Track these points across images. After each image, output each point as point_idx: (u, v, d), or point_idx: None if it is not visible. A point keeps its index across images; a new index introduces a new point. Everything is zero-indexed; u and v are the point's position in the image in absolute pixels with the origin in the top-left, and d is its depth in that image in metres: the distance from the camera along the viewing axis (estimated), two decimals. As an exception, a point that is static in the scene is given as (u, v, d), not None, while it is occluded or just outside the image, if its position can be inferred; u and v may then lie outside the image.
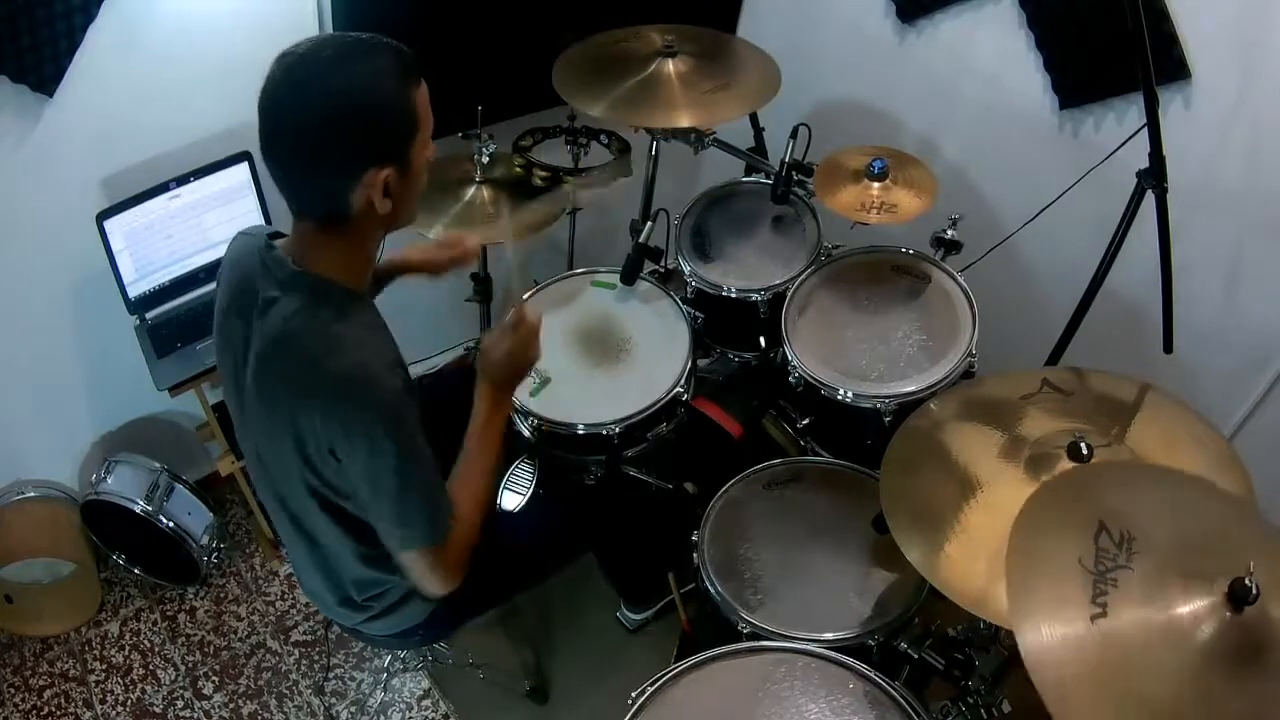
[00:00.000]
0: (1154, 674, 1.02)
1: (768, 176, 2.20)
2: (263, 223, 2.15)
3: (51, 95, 1.80)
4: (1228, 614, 1.01)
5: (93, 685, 2.25)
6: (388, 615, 1.58)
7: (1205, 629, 1.02)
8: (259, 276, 1.28)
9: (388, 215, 1.24)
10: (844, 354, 1.92)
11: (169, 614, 2.40)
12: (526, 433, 1.96)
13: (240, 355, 1.31)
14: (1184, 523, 1.17)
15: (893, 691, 1.40)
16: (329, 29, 1.99)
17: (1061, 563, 1.10)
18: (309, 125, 1.13)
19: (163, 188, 1.99)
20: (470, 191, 2.11)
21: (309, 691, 2.25)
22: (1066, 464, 1.37)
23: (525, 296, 1.42)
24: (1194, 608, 1.03)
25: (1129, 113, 1.97)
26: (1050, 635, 1.05)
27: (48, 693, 2.23)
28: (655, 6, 2.22)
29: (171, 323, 2.12)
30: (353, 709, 2.22)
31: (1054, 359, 1.95)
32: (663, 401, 1.91)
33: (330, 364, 1.20)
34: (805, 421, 2.00)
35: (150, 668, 2.29)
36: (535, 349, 1.44)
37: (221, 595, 2.44)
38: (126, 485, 2.22)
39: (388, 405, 1.21)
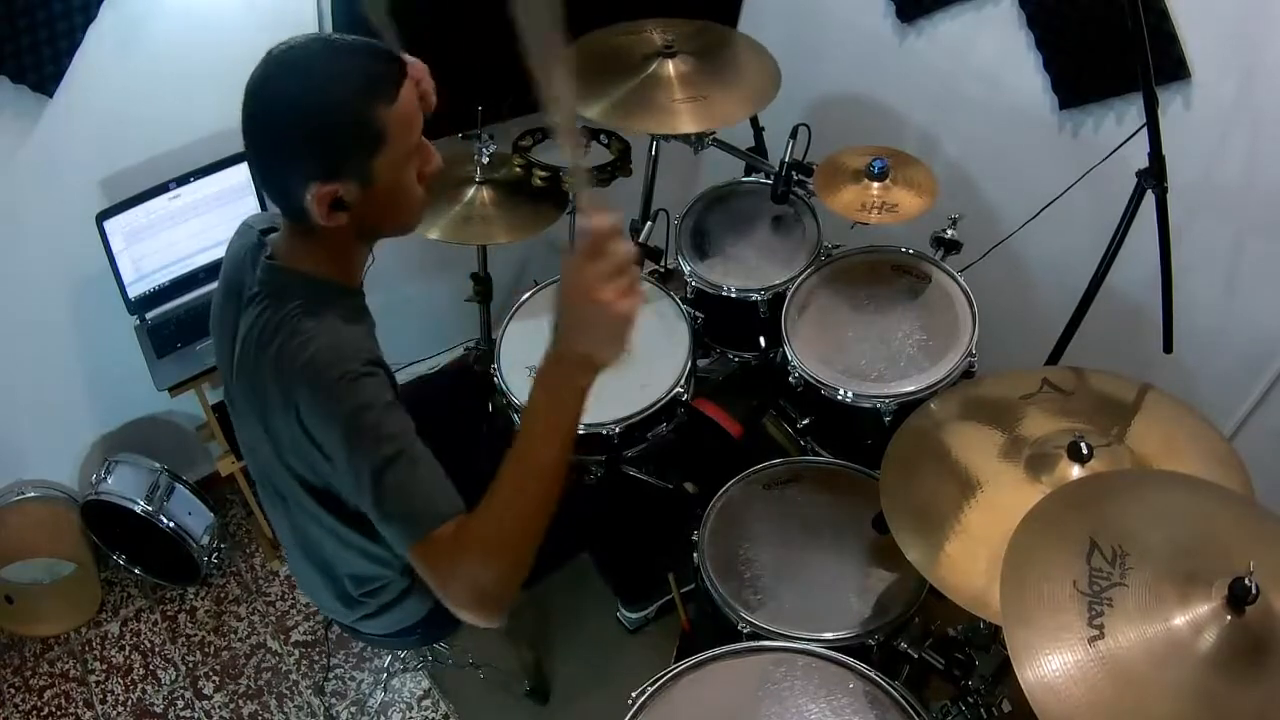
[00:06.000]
0: (1158, 690, 1.00)
1: (768, 176, 2.20)
2: (263, 223, 2.15)
3: (51, 95, 1.80)
4: (1228, 617, 1.01)
5: (93, 685, 2.25)
6: (385, 613, 1.57)
7: (1206, 637, 1.01)
8: (247, 270, 1.30)
9: (363, 226, 1.20)
10: (844, 354, 1.92)
11: (169, 614, 2.40)
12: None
13: (231, 347, 1.32)
14: (1177, 527, 1.16)
15: (893, 691, 1.40)
16: (329, 30, 1.99)
17: (1055, 591, 1.09)
18: (269, 128, 1.14)
19: (163, 188, 1.99)
20: (470, 192, 2.11)
21: (309, 691, 2.25)
22: (1067, 464, 1.37)
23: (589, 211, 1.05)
24: (1193, 616, 1.02)
25: (1129, 113, 1.97)
26: (1049, 667, 1.03)
27: (48, 693, 2.23)
28: (656, 2, 2.21)
29: (171, 323, 2.12)
30: (353, 709, 2.22)
31: (1054, 359, 1.95)
32: (663, 401, 1.91)
33: (297, 356, 1.17)
34: (805, 421, 2.00)
35: (150, 668, 2.29)
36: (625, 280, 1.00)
37: (222, 595, 2.44)
38: (127, 485, 2.22)
39: (353, 392, 1.15)
